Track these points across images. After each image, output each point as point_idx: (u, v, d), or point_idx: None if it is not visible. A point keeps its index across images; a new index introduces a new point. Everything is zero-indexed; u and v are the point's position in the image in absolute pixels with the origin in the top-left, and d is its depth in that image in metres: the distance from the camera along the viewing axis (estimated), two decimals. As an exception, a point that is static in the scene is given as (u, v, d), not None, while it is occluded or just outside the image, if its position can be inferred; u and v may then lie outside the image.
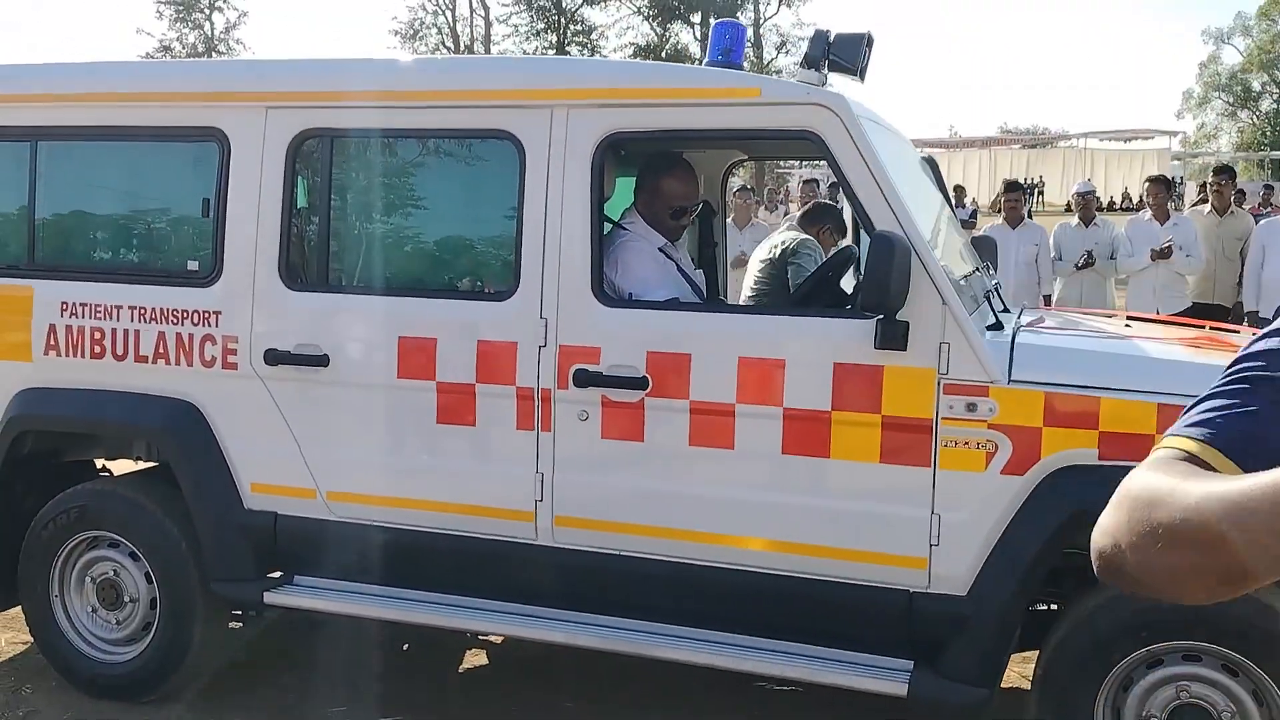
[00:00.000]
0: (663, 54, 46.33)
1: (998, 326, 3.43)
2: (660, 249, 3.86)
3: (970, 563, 3.26)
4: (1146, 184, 8.66)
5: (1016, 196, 8.68)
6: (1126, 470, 3.16)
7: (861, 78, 3.65)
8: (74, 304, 3.99)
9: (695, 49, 46.32)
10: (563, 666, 4.33)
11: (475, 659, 4.60)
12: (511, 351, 3.58)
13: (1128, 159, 43.62)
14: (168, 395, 3.91)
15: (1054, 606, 3.57)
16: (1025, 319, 3.76)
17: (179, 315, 3.89)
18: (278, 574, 3.96)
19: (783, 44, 48.47)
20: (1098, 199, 8.85)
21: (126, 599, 4.07)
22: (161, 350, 3.91)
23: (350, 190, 3.86)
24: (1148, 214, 8.41)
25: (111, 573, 4.08)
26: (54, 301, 4.01)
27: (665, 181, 3.85)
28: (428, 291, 3.80)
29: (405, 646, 4.65)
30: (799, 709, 4.07)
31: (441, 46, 49.29)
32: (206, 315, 3.86)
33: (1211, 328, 4.95)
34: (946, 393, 3.24)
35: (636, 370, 3.46)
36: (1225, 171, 8.63)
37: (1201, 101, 62.29)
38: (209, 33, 51.65)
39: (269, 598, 3.86)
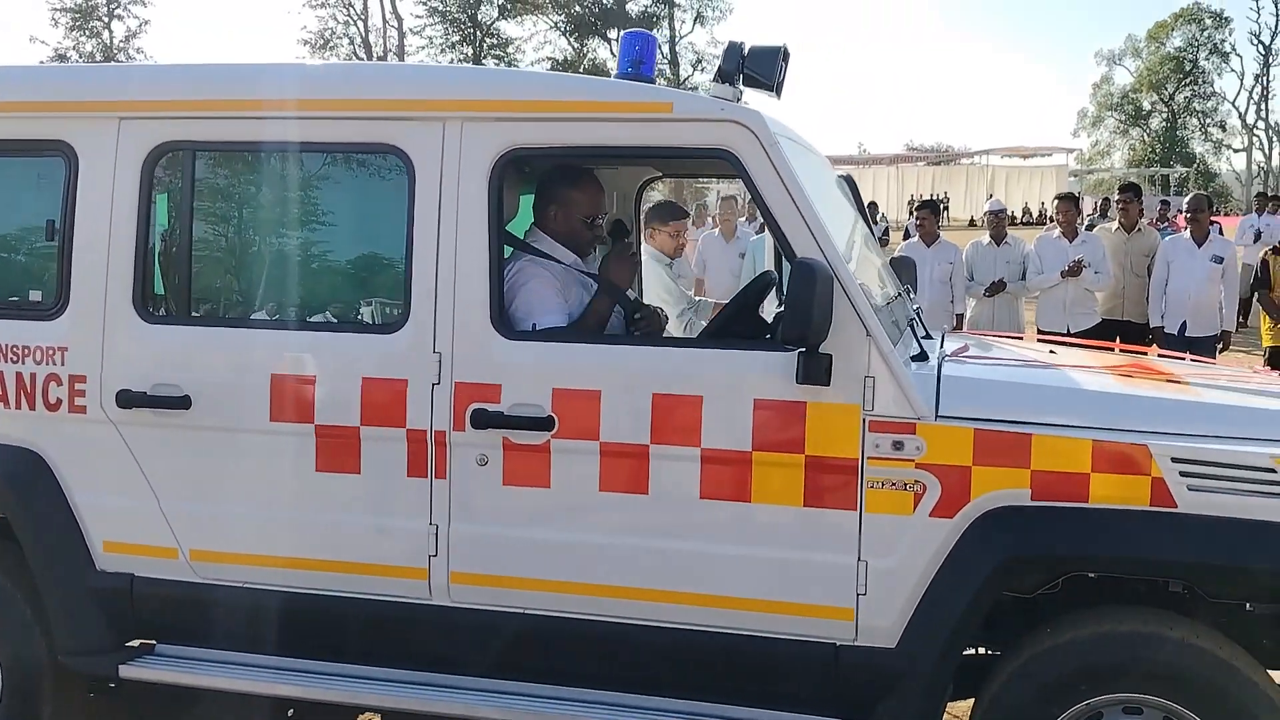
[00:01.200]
0: (580, 69, 46.10)
1: (922, 357, 3.19)
2: (571, 266, 3.54)
3: (899, 612, 3.00)
4: (1056, 202, 8.63)
5: (927, 215, 8.56)
6: (1066, 512, 2.93)
7: (778, 93, 3.39)
8: (-104, 340, 3.53)
9: (613, 65, 46.25)
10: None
11: (369, 724, 4.20)
12: (401, 390, 3.23)
13: (1028, 175, 44.70)
14: (6, 443, 3.48)
15: (992, 652, 3.32)
16: (949, 347, 3.53)
17: (19, 352, 3.46)
18: (137, 643, 3.54)
19: (699, 61, 48.68)
20: (1006, 215, 8.79)
21: (-35, 674, 3.61)
22: (2, 392, 3.47)
23: (215, 211, 3.48)
24: (1056, 231, 8.37)
25: (-53, 645, 3.61)
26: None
27: (572, 191, 3.55)
28: (305, 324, 3.42)
29: (290, 712, 4.23)
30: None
31: (353, 57, 48.38)
32: (51, 352, 3.44)
33: (1120, 348, 4.82)
34: (872, 430, 2.98)
35: (541, 409, 3.14)
36: (1131, 189, 8.64)
37: (1095, 120, 64.18)
38: (108, 41, 49.77)
39: (125, 671, 3.44)
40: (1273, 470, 2.84)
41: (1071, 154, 48.56)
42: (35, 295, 3.52)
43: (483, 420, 3.16)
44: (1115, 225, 8.66)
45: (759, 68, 3.28)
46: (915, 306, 3.92)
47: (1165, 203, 22.06)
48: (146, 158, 3.39)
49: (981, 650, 3.36)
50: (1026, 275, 8.25)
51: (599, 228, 3.66)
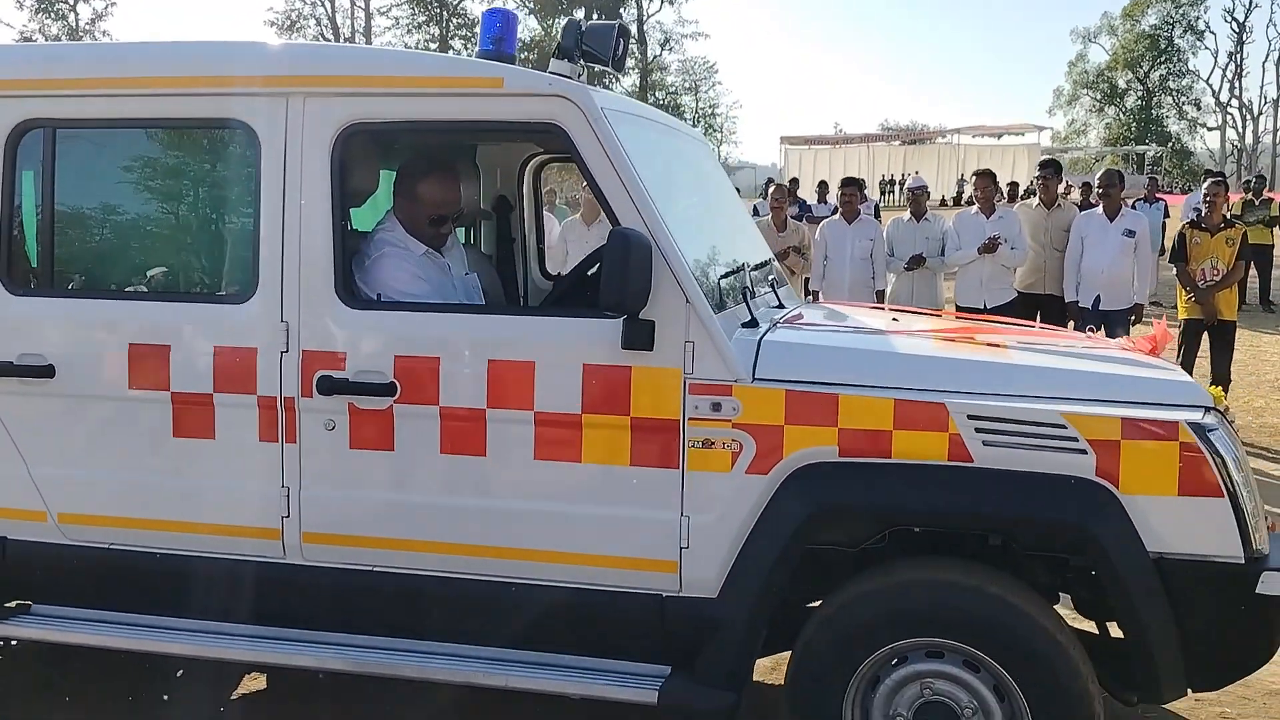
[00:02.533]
0: (547, 48, 46.09)
1: (754, 324, 3.34)
2: (423, 256, 3.66)
3: (720, 565, 3.16)
4: (974, 178, 8.77)
5: (853, 192, 8.71)
6: (868, 467, 3.10)
7: (618, 68, 3.53)
8: None
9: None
10: (343, 689, 4.12)
11: (254, 683, 4.36)
12: (251, 358, 3.37)
13: (999, 154, 44.80)
14: (-119, 412, 3.60)
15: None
16: (788, 316, 3.68)
17: (-109, 324, 3.58)
18: (14, 604, 3.68)
19: (666, 40, 48.71)
20: (927, 193, 8.92)
21: None
22: (-128, 363, 3.59)
23: (76, 186, 3.58)
24: (974, 208, 8.51)
25: None
26: None
27: (421, 187, 3.64)
28: (160, 294, 3.56)
29: (180, 673, 4.38)
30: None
31: (320, 38, 48.18)
32: (-79, 323, 3.56)
33: (1042, 326, 4.95)
34: (692, 392, 3.14)
35: (384, 376, 3.29)
36: (1050, 165, 8.79)
37: (1071, 98, 64.38)
38: (74, 24, 49.48)
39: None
40: (1063, 426, 3.01)
41: (1044, 132, 48.62)
42: (-96, 268, 3.63)
43: (329, 387, 3.30)
44: (1036, 201, 8.81)
45: (596, 44, 3.43)
46: (771, 277, 4.06)
47: (1154, 180, 22.13)
48: (9, 135, 3.51)
49: (819, 603, 3.53)
50: (945, 251, 8.41)
51: (448, 224, 3.71)
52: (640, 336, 3.11)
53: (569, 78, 3.34)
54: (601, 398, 3.18)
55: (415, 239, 3.63)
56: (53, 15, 49.52)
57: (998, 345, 3.51)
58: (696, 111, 51.98)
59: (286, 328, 3.33)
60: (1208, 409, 3.16)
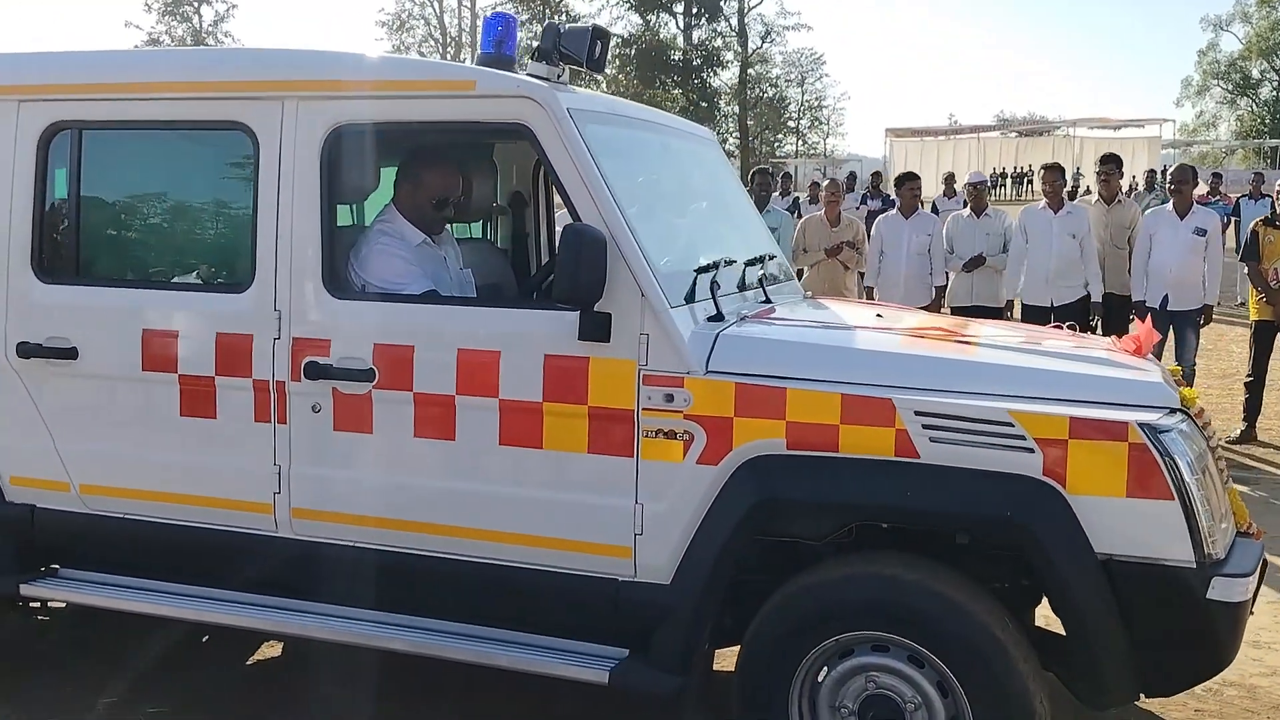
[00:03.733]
0: (644, 44, 46.28)
1: (719, 318, 3.43)
2: (421, 244, 3.84)
3: (672, 552, 3.26)
4: (1043, 171, 8.61)
5: (914, 186, 8.65)
6: (814, 461, 3.16)
7: (596, 69, 3.66)
8: None
9: (680, 39, 46.31)
10: (341, 658, 4.33)
11: (271, 650, 4.62)
12: (248, 344, 3.59)
13: (1118, 146, 43.38)
14: (-73, 388, 3.94)
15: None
16: (760, 310, 3.75)
17: (-63, 308, 3.91)
18: (44, 567, 3.99)
19: (767, 33, 48.40)
20: (988, 187, 8.81)
21: (-101, 591, 4.09)
22: (-79, 343, 3.93)
23: (98, 183, 3.86)
24: (1042, 203, 8.37)
25: (-118, 565, 4.10)
26: None
27: (423, 173, 3.83)
28: (169, 284, 3.83)
29: (205, 639, 4.67)
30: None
31: (429, 38, 49.31)
32: (-39, 308, 3.88)
33: (1068, 325, 4.88)
34: (646, 383, 3.25)
35: (364, 362, 3.48)
36: (1111, 160, 8.59)
37: (1200, 89, 62.03)
38: (198, 26, 51.62)
39: (26, 590, 3.89)
40: (1010, 424, 3.03)
41: (1167, 125, 46.97)
42: (-51, 258, 3.96)
43: (315, 372, 3.51)
44: (1095, 197, 8.63)
45: (572, 46, 3.55)
46: (763, 272, 4.12)
47: (1260, 175, 21.15)
48: (41, 136, 3.80)
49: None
50: (1009, 248, 8.29)
51: (448, 208, 3.90)
52: (596, 328, 3.23)
53: (546, 79, 3.48)
54: (561, 387, 3.31)
55: (413, 227, 3.81)
56: (178, 18, 51.67)
57: (967, 343, 3.53)
58: (802, 104, 51.58)
59: (279, 316, 3.55)
60: (1172, 410, 3.14)
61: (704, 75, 47.77)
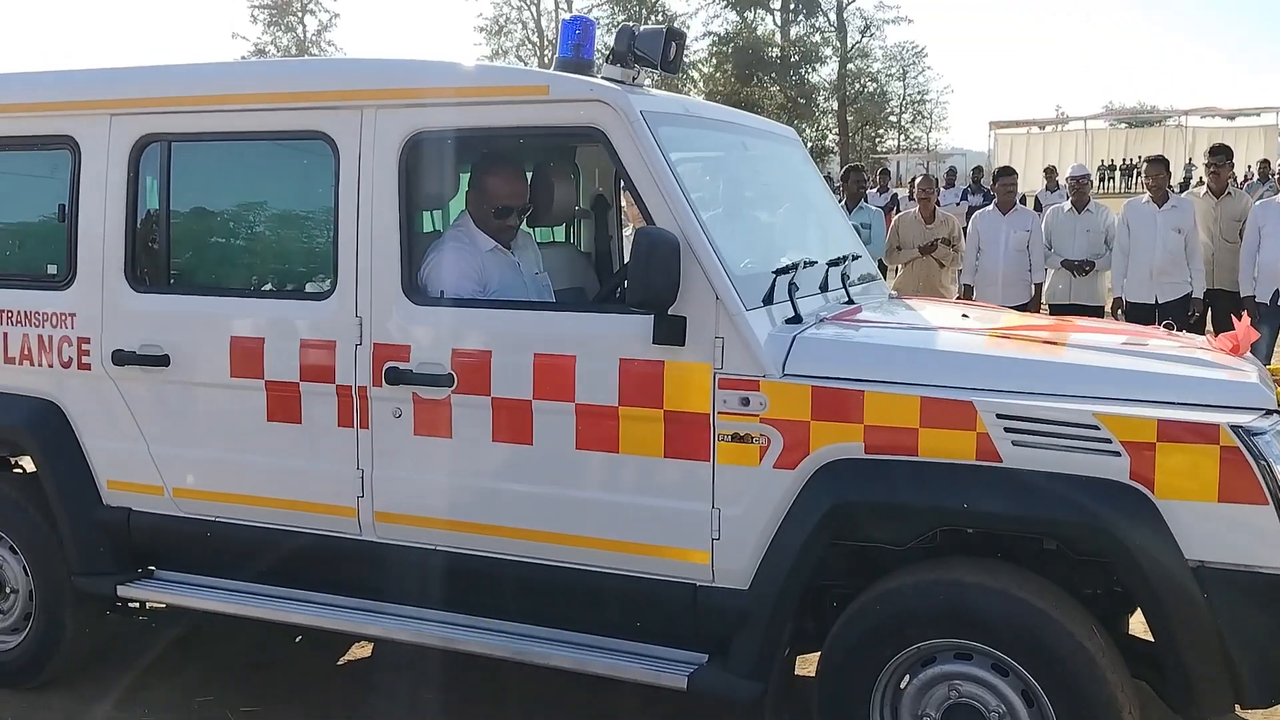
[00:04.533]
0: (741, 41, 46.00)
1: (797, 320, 3.37)
2: (492, 251, 3.86)
3: (750, 557, 3.23)
4: (1146, 164, 8.32)
5: (1010, 181, 8.45)
6: (893, 465, 3.10)
7: (670, 70, 3.64)
8: (-50, 307, 4.19)
9: (778, 35, 45.94)
10: (430, 660, 4.39)
11: (361, 651, 4.70)
12: (331, 350, 3.65)
13: (1232, 136, 41.79)
14: (32, 395, 4.09)
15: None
16: (840, 311, 3.68)
17: (41, 318, 4.06)
18: (140, 569, 4.11)
19: (866, 27, 47.74)
20: (1089, 181, 8.53)
21: (9, 590, 4.27)
22: (27, 352, 4.09)
23: (187, 193, 3.97)
24: (1145, 196, 8.09)
25: (-7, 565, 4.29)
26: (-66, 305, 4.22)
27: (487, 180, 3.85)
28: (256, 292, 3.91)
29: (298, 639, 4.77)
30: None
31: (526, 41, 49.83)
32: (63, 317, 4.03)
33: (1165, 324, 4.72)
34: (721, 387, 3.22)
35: (443, 367, 3.51)
36: (1221, 151, 8.26)
37: (1323, 73, 59.29)
38: (301, 35, 52.95)
39: (123, 591, 4.02)
40: (1096, 427, 2.92)
41: (1288, 112, 44.97)
42: (52, 269, 4.12)
43: (395, 377, 3.55)
44: (1204, 190, 8.31)
45: (646, 48, 3.55)
46: (844, 272, 4.05)
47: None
48: (132, 148, 3.92)
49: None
50: (1113, 243, 8.03)
51: (513, 216, 3.88)
52: (670, 332, 3.21)
53: (621, 82, 3.47)
54: (636, 391, 3.29)
55: (484, 234, 3.84)
56: (282, 28, 53.07)
57: (1053, 344, 3.43)
58: (904, 98, 50.76)
59: (360, 322, 3.60)
60: (1269, 411, 3.00)
61: (802, 71, 47.33)
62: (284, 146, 3.88)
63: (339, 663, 4.62)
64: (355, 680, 4.49)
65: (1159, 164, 8.14)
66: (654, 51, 3.53)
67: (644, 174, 3.28)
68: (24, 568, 4.22)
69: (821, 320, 3.49)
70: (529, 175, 4.02)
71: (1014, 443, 2.98)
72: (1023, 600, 2.96)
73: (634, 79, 3.56)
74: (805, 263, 3.73)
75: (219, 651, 4.65)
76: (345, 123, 3.61)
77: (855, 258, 4.28)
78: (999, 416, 2.99)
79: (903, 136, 51.66)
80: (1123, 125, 47.89)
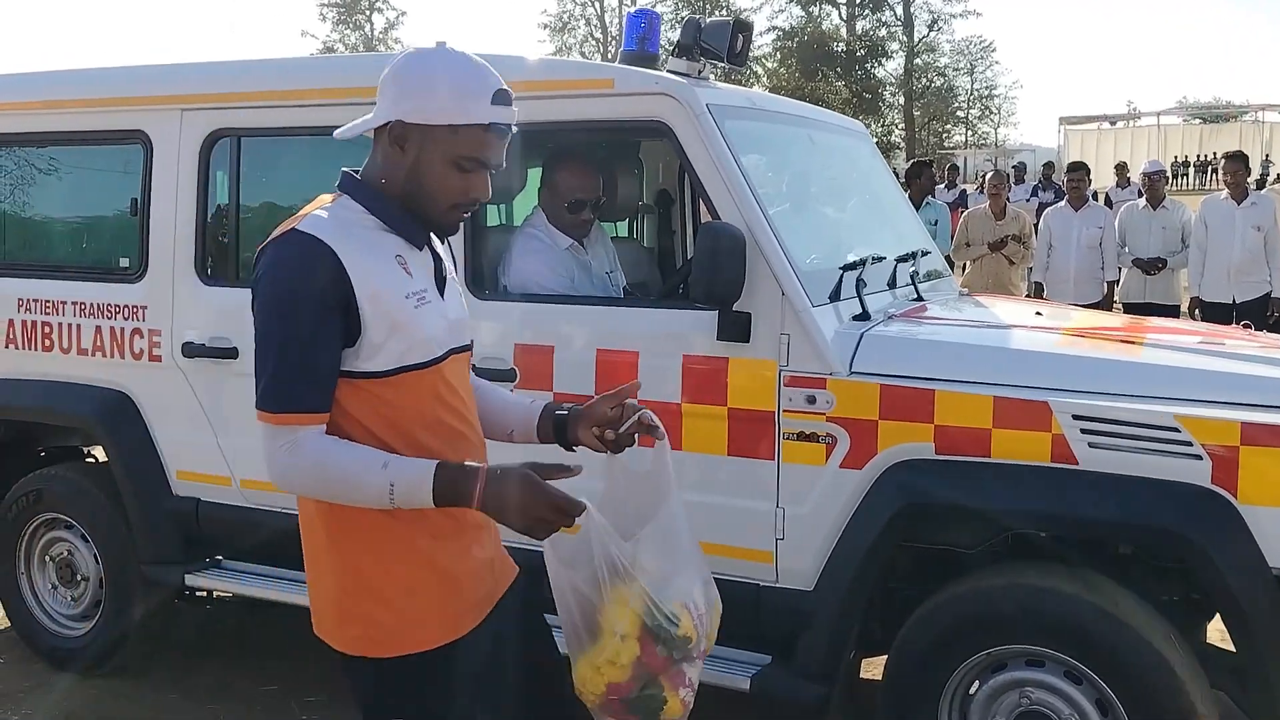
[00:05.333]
0: (806, 36, 45.64)
1: (865, 316, 3.31)
2: (570, 248, 3.82)
3: (815, 558, 3.18)
4: (1224, 160, 8.10)
5: (1080, 177, 8.28)
6: (964, 466, 3.04)
7: (739, 63, 3.58)
8: (28, 300, 4.27)
9: (844, 30, 45.54)
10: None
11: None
12: None
13: (1311, 132, 40.72)
14: (104, 385, 4.15)
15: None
16: (909, 309, 3.61)
17: (113, 310, 4.12)
18: (208, 559, 4.16)
19: (934, 21, 47.14)
20: (1165, 177, 8.32)
21: (80, 577, 4.35)
22: (99, 343, 4.15)
23: (256, 188, 4.01)
24: (1224, 193, 7.88)
25: (67, 552, 4.37)
26: (12, 298, 4.30)
27: (558, 175, 3.81)
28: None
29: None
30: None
31: (590, 38, 49.92)
32: (135, 310, 4.08)
33: (1243, 325, 4.59)
34: (787, 385, 3.16)
35: (505, 362, 3.50)
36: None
37: None
38: (369, 33, 53.60)
39: (190, 580, 4.07)
40: (1176, 429, 2.83)
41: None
42: (124, 262, 4.17)
43: (459, 371, 3.54)
44: (1283, 186, 8.06)
45: (713, 41, 3.50)
46: (914, 268, 3.97)
47: None
48: (203, 143, 3.96)
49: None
50: (1189, 241, 7.84)
51: (586, 210, 3.80)
52: (735, 328, 3.17)
53: (686, 75, 3.43)
54: (699, 388, 3.26)
55: (559, 231, 3.81)
56: (350, 26, 53.72)
57: (1130, 343, 3.33)
58: (971, 93, 50.08)
59: (429, 316, 3.59)
60: (1358, 415, 2.88)
61: (868, 66, 46.85)
62: (352, 142, 3.86)
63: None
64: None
65: (1238, 160, 7.92)
66: (721, 44, 3.49)
67: (709, 168, 3.24)
68: (95, 556, 4.29)
69: (890, 317, 3.43)
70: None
71: (1090, 444, 2.90)
72: (1098, 607, 2.87)
73: (699, 72, 3.51)
74: (873, 258, 3.67)
75: (281, 640, 4.69)
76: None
77: (924, 254, 4.20)
78: (1075, 417, 2.91)
79: (970, 132, 50.97)
80: (1196, 121, 46.86)
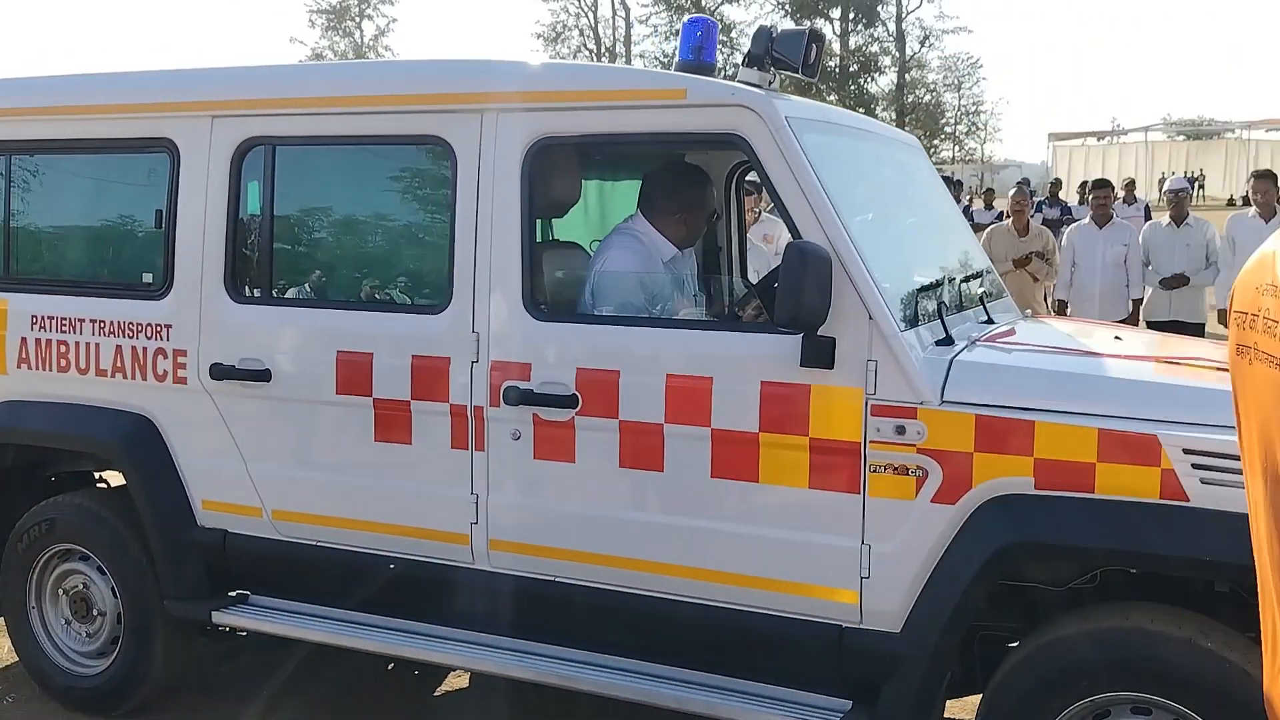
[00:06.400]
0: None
1: (948, 341, 3.13)
2: (672, 260, 3.66)
3: (903, 598, 2.98)
4: (1254, 179, 7.99)
5: (1105, 194, 8.16)
6: (1070, 503, 2.84)
7: (811, 74, 3.41)
8: (42, 317, 4.03)
9: (837, 45, 45.47)
10: (533, 693, 4.17)
11: (458, 681, 4.48)
12: (445, 367, 3.45)
13: (1294, 150, 40.91)
14: (125, 409, 3.92)
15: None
16: (992, 333, 3.43)
17: (134, 328, 3.89)
18: (235, 593, 3.92)
19: (925, 37, 47.21)
20: (1189, 195, 8.21)
21: (96, 612, 4.10)
22: (119, 364, 3.92)
23: (290, 200, 3.79)
24: (1252, 211, 7.76)
25: (82, 585, 4.12)
26: (25, 314, 4.07)
27: (677, 183, 3.69)
28: (364, 304, 3.71)
29: (390, 666, 4.57)
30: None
31: (583, 48, 49.70)
32: (159, 328, 3.85)
33: None
34: (874, 414, 2.97)
35: (566, 387, 3.29)
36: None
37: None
38: (359, 40, 53.21)
39: (217, 617, 3.83)
40: (1298, 466, 2.65)
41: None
42: (147, 278, 3.95)
43: (514, 397, 3.33)
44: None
45: (786, 50, 3.32)
46: (983, 290, 3.80)
47: None
48: (234, 152, 3.74)
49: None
50: (1214, 258, 7.70)
51: (700, 221, 3.72)
52: (819, 354, 2.98)
53: (758, 86, 3.25)
54: (780, 417, 3.06)
55: (665, 240, 3.65)
56: (340, 33, 53.34)
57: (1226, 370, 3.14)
58: (958, 109, 50.11)
59: (477, 338, 3.39)
60: None
61: (860, 81, 46.85)
62: (396, 152, 3.68)
63: (436, 693, 4.41)
64: (449, 711, 4.28)
65: (1268, 179, 7.81)
66: (794, 54, 3.31)
67: (790, 184, 3.05)
68: (112, 589, 4.05)
69: (973, 341, 3.24)
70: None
71: (1203, 480, 2.72)
72: (1212, 652, 2.70)
73: (770, 84, 3.33)
74: (948, 279, 3.49)
75: (309, 675, 4.45)
76: (464, 127, 3.41)
77: (989, 272, 4.04)
78: (1186, 451, 2.73)
79: (957, 148, 51.06)
80: (1182, 137, 47.12)
